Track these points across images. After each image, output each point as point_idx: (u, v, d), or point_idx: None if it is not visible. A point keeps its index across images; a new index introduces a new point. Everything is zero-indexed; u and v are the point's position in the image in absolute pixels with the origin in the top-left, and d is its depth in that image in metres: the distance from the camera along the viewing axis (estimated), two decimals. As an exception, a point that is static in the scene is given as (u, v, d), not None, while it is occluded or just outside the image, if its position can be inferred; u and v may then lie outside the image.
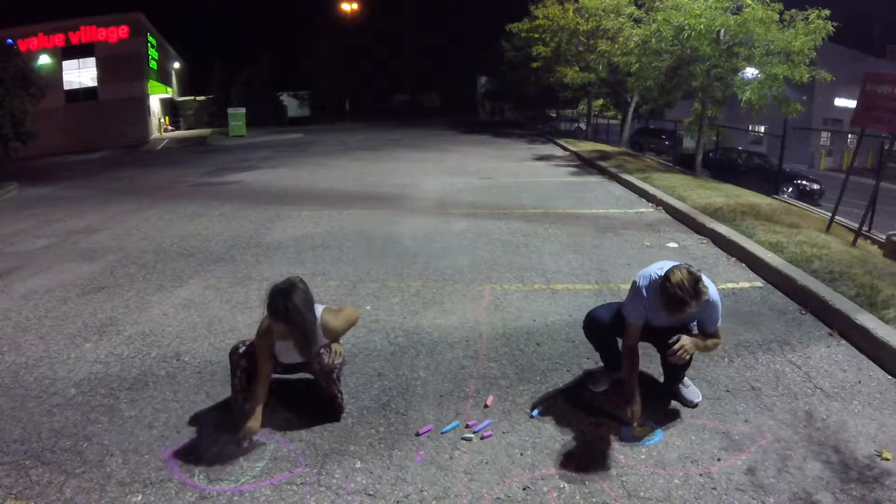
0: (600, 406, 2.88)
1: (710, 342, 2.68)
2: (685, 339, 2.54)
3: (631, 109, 18.05)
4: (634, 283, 2.69)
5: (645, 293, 2.63)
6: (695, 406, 2.85)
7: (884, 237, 5.87)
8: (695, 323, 2.70)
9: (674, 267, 2.48)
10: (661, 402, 2.89)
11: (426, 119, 36.08)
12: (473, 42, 39.99)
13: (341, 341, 2.91)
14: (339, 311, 2.81)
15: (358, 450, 2.56)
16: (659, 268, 2.62)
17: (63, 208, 8.99)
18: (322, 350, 2.70)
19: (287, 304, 2.49)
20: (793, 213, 7.11)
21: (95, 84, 29.70)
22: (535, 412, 2.81)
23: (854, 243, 5.59)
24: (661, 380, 3.02)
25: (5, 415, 2.89)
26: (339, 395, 2.80)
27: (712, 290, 2.55)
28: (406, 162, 13.66)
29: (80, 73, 29.68)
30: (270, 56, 39.72)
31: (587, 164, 12.73)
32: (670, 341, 2.54)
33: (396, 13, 45.06)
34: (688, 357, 2.55)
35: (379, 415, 2.83)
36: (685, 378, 2.92)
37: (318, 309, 2.70)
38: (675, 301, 2.40)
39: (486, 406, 2.86)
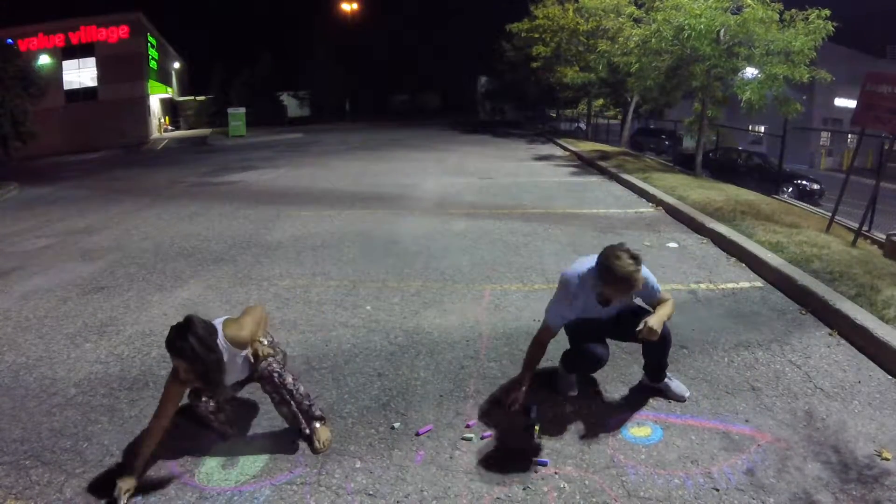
0: (599, 406, 2.89)
1: (667, 308, 2.68)
2: (650, 320, 2.57)
3: (631, 109, 18.04)
4: (565, 283, 2.69)
5: (579, 287, 2.63)
6: (684, 400, 2.87)
7: (884, 237, 5.87)
8: (638, 300, 2.77)
9: (604, 251, 2.50)
10: (664, 400, 2.89)
11: (426, 119, 36.07)
12: (473, 42, 39.96)
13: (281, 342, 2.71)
14: (242, 317, 2.58)
15: (358, 450, 2.56)
16: (581, 264, 2.68)
17: (63, 208, 8.99)
18: (257, 362, 2.50)
19: (185, 340, 2.22)
20: (793, 213, 7.11)
21: (95, 84, 29.74)
22: (535, 412, 2.81)
23: (854, 243, 5.59)
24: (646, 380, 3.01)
25: (5, 415, 2.89)
26: (294, 409, 2.54)
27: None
28: (406, 162, 13.66)
29: (80, 73, 29.72)
30: (270, 56, 39.76)
31: (587, 164, 12.72)
32: (637, 329, 2.57)
33: (396, 13, 45.07)
34: (659, 332, 2.57)
35: (379, 415, 2.83)
36: (668, 375, 2.94)
37: (218, 323, 2.45)
38: (626, 277, 2.42)
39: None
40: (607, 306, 2.69)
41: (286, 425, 2.71)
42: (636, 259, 2.45)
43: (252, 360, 2.52)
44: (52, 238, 6.84)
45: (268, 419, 2.79)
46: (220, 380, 2.36)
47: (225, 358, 2.37)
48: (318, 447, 2.54)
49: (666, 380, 2.94)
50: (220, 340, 2.37)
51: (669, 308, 2.69)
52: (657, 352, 2.81)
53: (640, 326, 2.56)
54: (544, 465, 2.44)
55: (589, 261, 2.64)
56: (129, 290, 4.76)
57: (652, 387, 2.98)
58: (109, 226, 7.41)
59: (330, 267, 5.26)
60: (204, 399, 2.48)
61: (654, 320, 2.57)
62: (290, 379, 2.54)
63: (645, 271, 2.57)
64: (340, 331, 3.81)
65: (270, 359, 2.53)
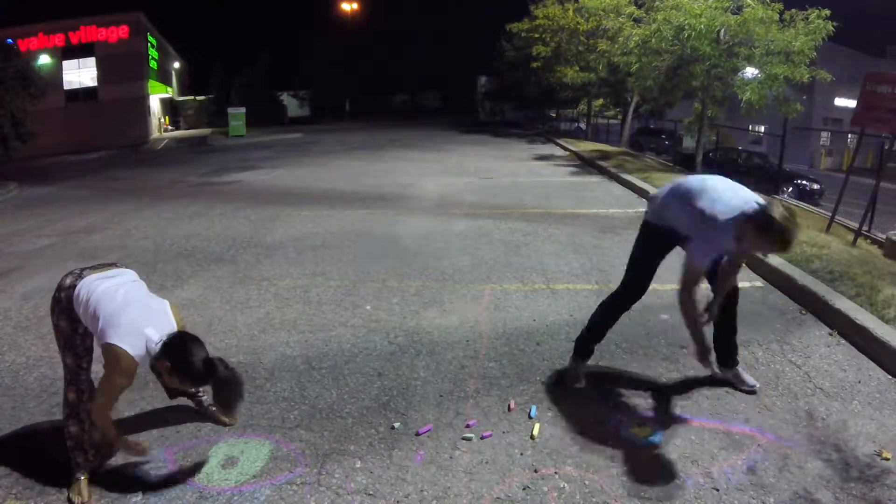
0: (602, 404, 2.89)
1: (735, 276, 2.79)
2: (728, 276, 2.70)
3: (631, 109, 18.06)
4: (713, 220, 2.46)
5: (724, 232, 2.45)
6: (754, 391, 2.91)
7: (884, 237, 5.87)
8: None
9: (773, 204, 2.37)
10: (664, 400, 2.89)
11: (426, 119, 36.08)
12: (473, 42, 40.00)
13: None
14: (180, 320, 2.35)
15: (358, 450, 2.55)
16: (738, 206, 2.45)
17: (63, 208, 8.99)
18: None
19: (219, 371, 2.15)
20: (793, 213, 7.11)
21: (95, 84, 29.71)
22: (535, 412, 2.81)
23: (854, 243, 5.59)
24: (666, 380, 3.03)
25: (5, 415, 2.89)
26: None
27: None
28: (406, 162, 13.66)
29: (80, 73, 29.70)
30: (270, 56, 39.77)
31: (587, 164, 12.73)
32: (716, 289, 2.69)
33: (397, 13, 45.10)
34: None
35: (379, 415, 2.82)
36: (740, 364, 3.00)
37: (167, 305, 2.31)
38: (788, 236, 2.31)
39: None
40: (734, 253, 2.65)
41: (286, 425, 2.71)
42: (796, 223, 2.34)
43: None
44: (53, 238, 6.84)
45: (267, 419, 2.79)
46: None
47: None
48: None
49: (738, 367, 2.98)
50: (174, 325, 2.27)
51: (736, 275, 2.80)
52: (730, 316, 2.89)
53: (721, 282, 2.70)
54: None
55: (742, 205, 2.44)
56: (129, 290, 4.75)
57: (723, 377, 3.00)
58: (109, 226, 7.41)
59: (330, 267, 5.26)
60: (200, 392, 2.71)
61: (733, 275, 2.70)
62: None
63: None
64: (340, 331, 3.81)
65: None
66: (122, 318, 2.14)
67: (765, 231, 2.33)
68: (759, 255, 2.60)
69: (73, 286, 2.31)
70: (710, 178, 2.70)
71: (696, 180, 2.69)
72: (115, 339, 2.09)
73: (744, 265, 5.00)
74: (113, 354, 2.08)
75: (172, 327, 2.23)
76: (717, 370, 3.02)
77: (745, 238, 2.41)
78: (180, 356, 2.10)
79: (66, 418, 2.34)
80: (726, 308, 2.90)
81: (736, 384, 2.96)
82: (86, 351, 2.36)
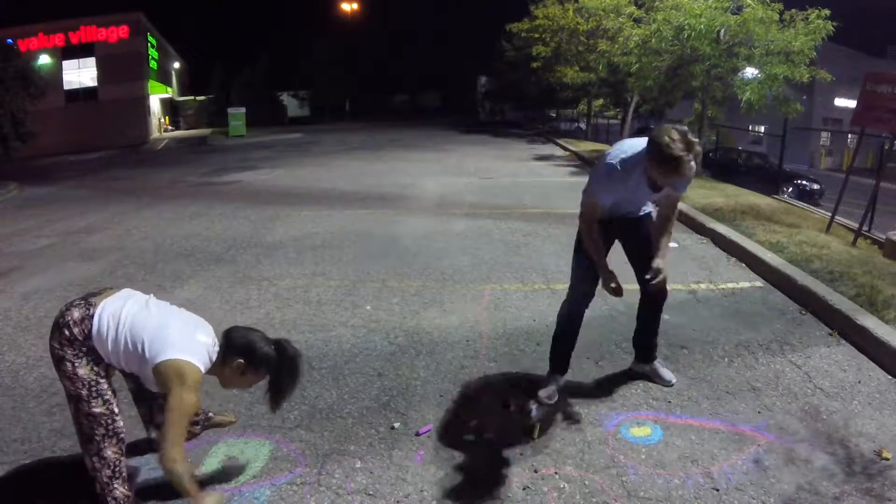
0: (600, 403, 2.89)
1: (672, 220, 2.75)
2: (657, 264, 2.64)
3: (631, 109, 18.05)
4: (606, 164, 2.54)
5: (620, 168, 2.49)
6: (671, 385, 2.94)
7: (884, 237, 5.87)
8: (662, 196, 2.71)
9: (658, 129, 2.33)
10: (663, 400, 2.89)
11: (426, 119, 36.07)
12: (473, 42, 40.00)
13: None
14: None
15: (358, 450, 2.55)
16: (630, 145, 2.54)
17: (63, 208, 8.99)
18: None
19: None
20: (793, 213, 7.11)
21: (95, 84, 29.69)
22: (536, 411, 2.81)
23: (854, 243, 5.59)
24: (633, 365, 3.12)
25: (5, 415, 2.89)
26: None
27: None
28: (406, 162, 13.66)
29: (80, 73, 29.68)
30: (270, 56, 39.76)
31: (587, 164, 12.73)
32: (647, 277, 2.64)
33: (397, 13, 45.10)
34: (664, 274, 2.64)
35: (379, 415, 2.82)
36: (658, 359, 3.03)
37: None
38: (672, 159, 2.24)
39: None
40: (657, 190, 2.58)
41: (286, 425, 2.71)
42: (688, 144, 2.26)
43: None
44: (52, 238, 6.83)
45: (267, 419, 2.79)
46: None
47: None
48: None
49: (656, 363, 3.01)
50: (208, 325, 2.17)
51: (673, 215, 2.75)
52: (653, 306, 2.88)
53: (653, 272, 2.63)
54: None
55: (634, 144, 2.51)
56: (129, 290, 4.75)
57: (640, 371, 3.06)
58: (109, 226, 7.40)
59: (330, 267, 5.26)
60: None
61: (661, 262, 2.64)
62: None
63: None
64: (340, 331, 3.81)
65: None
66: (171, 331, 1.97)
67: (655, 157, 2.32)
68: (671, 187, 2.45)
69: (90, 317, 1.97)
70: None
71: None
72: (174, 353, 1.90)
73: (744, 265, 5.03)
74: (176, 372, 1.89)
75: (209, 327, 2.14)
76: (635, 367, 3.10)
77: (651, 173, 2.43)
78: (251, 349, 2.02)
79: (107, 487, 1.99)
80: (652, 303, 2.93)
81: (653, 378, 3.01)
82: (113, 391, 2.06)
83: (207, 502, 1.93)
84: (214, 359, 2.04)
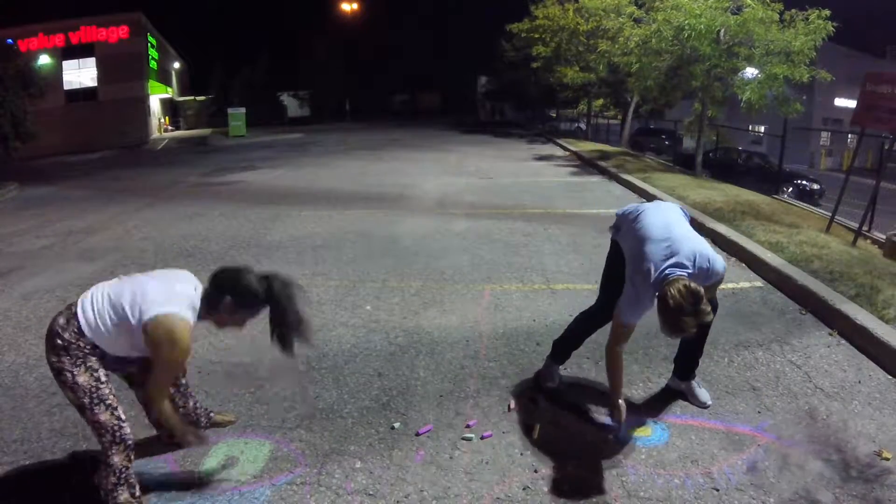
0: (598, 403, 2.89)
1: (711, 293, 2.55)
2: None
3: (631, 109, 18.05)
4: (636, 277, 2.40)
5: (648, 301, 2.38)
6: (706, 407, 2.82)
7: (884, 237, 5.87)
8: None
9: (672, 282, 2.22)
10: (664, 400, 2.89)
11: (426, 119, 36.09)
12: (473, 42, 39.99)
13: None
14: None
15: (358, 450, 2.55)
16: (654, 265, 2.34)
17: (63, 208, 8.98)
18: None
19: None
20: (793, 213, 7.11)
21: (95, 84, 29.69)
22: (541, 403, 2.82)
23: (854, 243, 5.59)
24: (665, 380, 3.03)
25: (5, 415, 2.89)
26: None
27: (712, 264, 2.39)
28: (406, 162, 13.66)
29: (80, 73, 29.68)
30: (270, 56, 39.78)
31: (587, 164, 12.73)
32: None
33: (397, 13, 45.12)
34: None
35: (379, 415, 2.82)
36: (696, 378, 2.91)
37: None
38: (674, 322, 2.17)
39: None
40: None
41: (286, 425, 2.71)
42: (692, 305, 2.14)
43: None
44: (52, 238, 6.83)
45: (267, 419, 2.79)
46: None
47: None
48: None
49: (693, 382, 2.89)
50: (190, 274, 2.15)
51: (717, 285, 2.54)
52: (699, 336, 2.70)
53: None
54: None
55: (673, 269, 2.31)
56: (129, 290, 4.75)
57: (677, 389, 2.93)
58: (109, 226, 7.40)
59: (330, 267, 5.26)
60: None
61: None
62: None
63: (703, 263, 2.35)
64: (340, 331, 3.81)
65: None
66: (148, 290, 1.95)
67: (658, 304, 2.24)
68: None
69: (74, 315, 1.97)
70: (655, 214, 2.58)
71: (647, 214, 2.59)
72: (157, 309, 1.89)
73: (744, 265, 5.02)
74: (163, 328, 1.87)
75: (188, 275, 2.10)
76: (672, 384, 2.99)
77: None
78: (236, 283, 1.96)
79: (111, 494, 2.02)
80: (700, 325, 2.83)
81: (689, 397, 2.89)
82: (115, 396, 2.03)
83: (199, 434, 2.15)
84: (200, 305, 2.00)
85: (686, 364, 2.91)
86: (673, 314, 2.17)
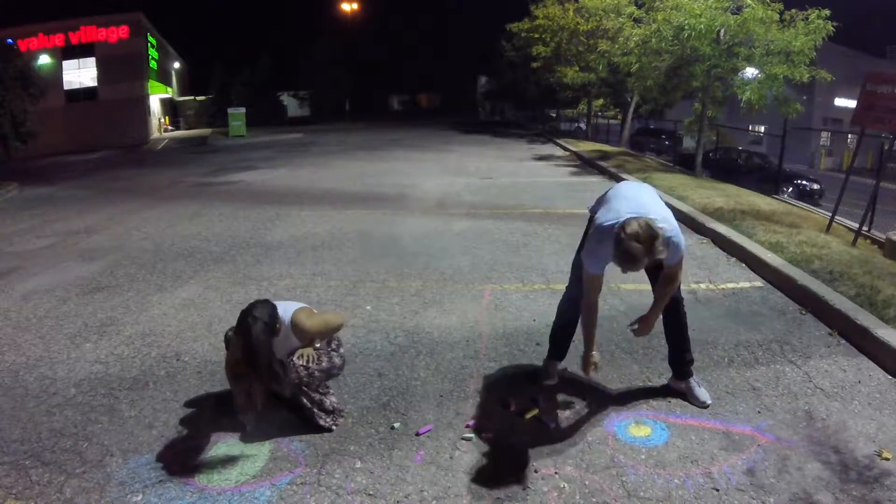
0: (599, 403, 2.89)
1: (665, 291, 2.63)
2: (642, 326, 2.65)
3: (631, 109, 18.06)
4: (597, 227, 2.52)
5: (598, 247, 2.48)
6: (706, 407, 2.81)
7: (884, 237, 5.87)
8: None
9: (631, 218, 2.31)
10: (664, 400, 2.89)
11: (426, 119, 36.09)
12: (473, 42, 40.01)
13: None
14: (319, 314, 2.68)
15: (358, 450, 2.55)
16: (617, 216, 2.43)
17: (63, 208, 8.99)
18: (288, 359, 2.57)
19: (247, 318, 2.40)
20: (793, 214, 7.11)
21: (95, 84, 29.69)
22: (542, 402, 2.82)
23: (854, 243, 5.59)
24: (666, 380, 3.02)
25: (5, 415, 2.89)
26: (314, 409, 2.63)
27: (674, 234, 2.45)
28: (406, 162, 13.66)
29: (80, 73, 29.67)
30: (270, 56, 39.77)
31: (587, 164, 12.73)
32: (630, 327, 2.65)
33: (397, 13, 45.13)
34: (648, 332, 2.65)
35: (379, 415, 2.82)
36: (694, 378, 2.90)
37: (291, 307, 2.60)
38: (626, 256, 2.26)
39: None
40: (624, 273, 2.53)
41: (286, 425, 2.72)
42: (647, 241, 2.23)
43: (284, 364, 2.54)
44: (52, 238, 6.83)
45: (267, 419, 2.78)
46: (262, 365, 2.39)
47: (277, 337, 2.49)
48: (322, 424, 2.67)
49: (692, 380, 2.89)
50: (286, 321, 2.55)
51: (669, 288, 2.61)
52: (674, 322, 2.82)
53: (634, 325, 2.65)
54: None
55: (620, 215, 2.41)
56: (129, 290, 4.76)
57: (677, 389, 2.92)
58: (109, 226, 7.40)
59: (330, 267, 5.26)
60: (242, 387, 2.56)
61: (646, 325, 2.65)
62: (314, 388, 2.64)
63: (673, 236, 2.42)
64: (340, 331, 3.81)
65: (311, 364, 2.60)
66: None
67: (615, 245, 2.31)
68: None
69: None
70: (628, 184, 2.83)
71: (620, 184, 2.80)
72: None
73: (744, 265, 5.02)
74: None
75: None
76: (670, 383, 3.00)
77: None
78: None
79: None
80: (670, 321, 2.84)
81: (688, 397, 2.87)
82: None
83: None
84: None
85: (677, 361, 2.91)
86: (626, 242, 2.23)
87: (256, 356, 2.35)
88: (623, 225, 2.29)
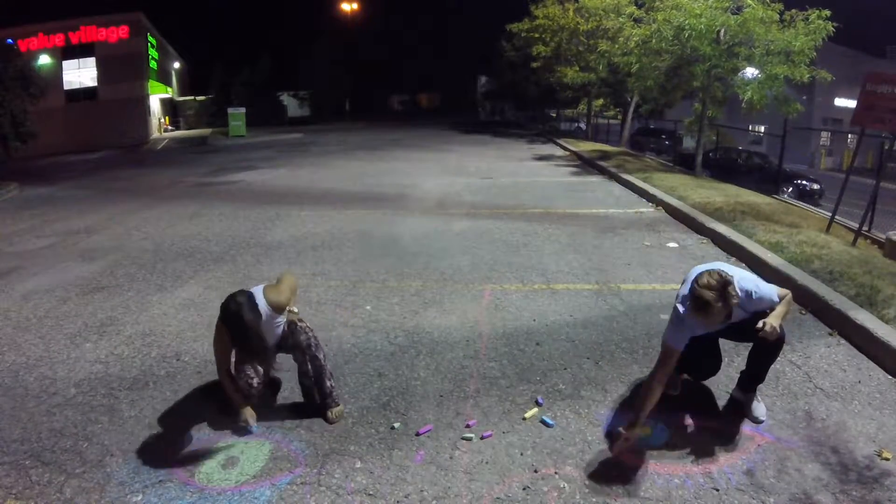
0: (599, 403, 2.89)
1: (784, 307, 2.60)
2: (770, 319, 2.49)
3: (631, 109, 18.05)
4: (675, 307, 2.54)
5: (682, 309, 2.47)
6: (759, 423, 2.71)
7: (884, 237, 5.87)
8: (752, 313, 2.58)
9: (704, 272, 2.39)
10: (664, 400, 2.88)
11: (426, 119, 36.08)
12: (473, 42, 40.03)
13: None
14: (279, 283, 2.78)
15: (358, 450, 2.56)
16: (686, 285, 2.52)
17: (63, 208, 8.99)
18: (290, 328, 2.77)
19: (231, 303, 2.50)
20: (793, 213, 7.11)
21: (95, 84, 29.68)
22: (542, 401, 2.82)
23: (854, 243, 5.59)
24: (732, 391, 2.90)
25: (5, 415, 2.89)
26: (325, 366, 2.80)
27: (747, 281, 2.53)
28: (406, 162, 13.66)
29: (80, 73, 29.66)
30: (270, 56, 39.77)
31: (587, 164, 12.73)
32: (757, 327, 2.46)
33: (397, 13, 45.15)
34: (778, 332, 2.48)
35: (379, 415, 2.83)
36: (757, 395, 2.81)
37: (258, 291, 2.66)
38: (700, 304, 2.30)
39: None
40: (712, 330, 2.55)
41: (286, 425, 2.71)
42: (721, 295, 2.27)
43: (287, 328, 2.75)
44: (52, 238, 6.83)
45: (267, 419, 2.79)
46: (258, 346, 2.53)
47: (263, 319, 2.55)
48: (330, 417, 2.76)
49: (755, 395, 2.80)
50: (262, 305, 2.57)
51: (786, 306, 2.61)
52: (767, 354, 2.69)
53: (760, 325, 2.45)
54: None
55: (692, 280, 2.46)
56: (129, 290, 4.76)
57: (738, 399, 2.84)
58: (109, 226, 7.40)
59: (330, 267, 5.26)
60: (249, 373, 2.62)
61: (774, 319, 2.49)
62: (321, 355, 2.79)
63: (755, 296, 2.51)
64: (340, 331, 3.81)
65: (310, 332, 2.80)
66: None
67: (691, 299, 2.38)
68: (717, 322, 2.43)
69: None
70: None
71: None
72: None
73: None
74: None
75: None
76: (734, 394, 2.90)
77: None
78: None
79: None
80: (766, 350, 2.70)
81: (745, 409, 2.79)
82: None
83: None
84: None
85: (751, 381, 2.81)
86: (700, 296, 2.30)
87: (248, 332, 2.45)
88: (696, 278, 2.38)
